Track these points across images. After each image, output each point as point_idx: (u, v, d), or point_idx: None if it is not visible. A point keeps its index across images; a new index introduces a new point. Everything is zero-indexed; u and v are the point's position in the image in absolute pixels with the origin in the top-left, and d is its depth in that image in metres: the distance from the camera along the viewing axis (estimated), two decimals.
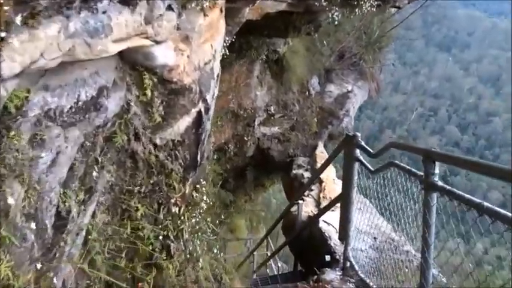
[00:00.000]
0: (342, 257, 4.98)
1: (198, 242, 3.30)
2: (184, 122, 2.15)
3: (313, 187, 7.77)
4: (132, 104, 2.33)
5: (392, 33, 12.72)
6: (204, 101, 2.24)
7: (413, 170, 2.84)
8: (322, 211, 5.69)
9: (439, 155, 2.49)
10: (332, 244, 5.56)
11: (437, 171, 2.55)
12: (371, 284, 4.34)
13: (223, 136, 9.11)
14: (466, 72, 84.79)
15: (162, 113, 2.42)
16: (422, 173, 2.67)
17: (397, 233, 5.37)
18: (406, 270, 4.14)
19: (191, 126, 2.20)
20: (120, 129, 2.34)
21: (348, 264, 4.77)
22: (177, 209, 2.26)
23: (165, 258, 2.23)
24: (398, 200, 3.56)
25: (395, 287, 4.18)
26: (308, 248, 6.31)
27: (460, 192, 2.23)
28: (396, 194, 3.62)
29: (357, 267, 4.60)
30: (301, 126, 9.81)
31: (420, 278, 2.66)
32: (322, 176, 7.99)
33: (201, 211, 2.73)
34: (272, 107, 9.54)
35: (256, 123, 9.41)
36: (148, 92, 2.50)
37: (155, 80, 2.58)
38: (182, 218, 2.34)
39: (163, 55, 2.66)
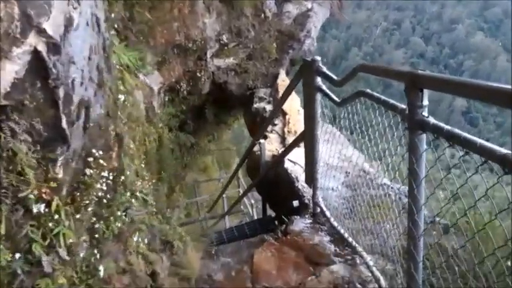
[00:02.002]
0: (311, 202, 4.38)
1: (126, 219, 2.57)
2: (6, 75, 1.26)
3: (276, 121, 7.03)
4: None
5: None
6: (41, 31, 1.33)
7: (392, 101, 2.08)
8: (285, 151, 4.99)
9: (429, 79, 1.71)
10: (300, 186, 4.94)
11: (426, 102, 1.79)
12: (342, 231, 3.77)
13: (172, 74, 8.08)
14: None
15: None
16: (404, 106, 1.91)
17: (372, 163, 4.78)
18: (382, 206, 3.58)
19: (26, 78, 1.32)
20: None
21: (318, 209, 4.17)
22: (42, 206, 1.47)
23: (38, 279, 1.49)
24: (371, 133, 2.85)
25: (371, 228, 3.65)
26: (275, 190, 5.71)
27: (469, 136, 1.48)
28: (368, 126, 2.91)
29: (328, 214, 4.00)
30: (259, 54, 8.82)
31: (408, 244, 1.99)
32: (285, 107, 7.24)
33: (101, 192, 1.94)
34: (224, 36, 8.45)
35: (208, 55, 8.37)
36: None
37: None
38: (57, 216, 1.56)
39: None
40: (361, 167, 4.64)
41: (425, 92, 1.76)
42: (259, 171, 6.06)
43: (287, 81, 8.69)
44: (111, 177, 2.02)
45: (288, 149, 4.82)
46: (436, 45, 75.20)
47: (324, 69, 3.30)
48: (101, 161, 1.87)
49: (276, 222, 5.62)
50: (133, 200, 2.74)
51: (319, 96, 3.54)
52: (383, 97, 2.19)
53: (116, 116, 2.25)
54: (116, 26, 4.19)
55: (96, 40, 1.80)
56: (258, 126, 7.78)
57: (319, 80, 3.42)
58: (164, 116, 8.46)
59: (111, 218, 2.23)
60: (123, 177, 2.43)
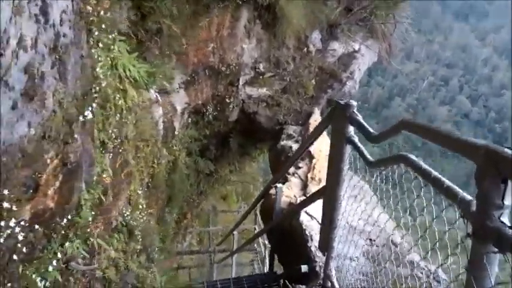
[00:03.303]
0: (322, 271, 3.67)
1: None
2: None
3: (301, 164, 6.37)
4: None
5: None
6: None
7: (448, 183, 1.40)
8: (302, 203, 4.32)
9: None
10: (313, 248, 4.24)
11: (508, 202, 1.12)
12: None
13: (200, 96, 7.63)
14: (482, 42, 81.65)
15: None
16: (469, 197, 1.25)
17: (401, 232, 4.02)
18: None
19: None
20: None
21: (329, 284, 3.44)
22: None
23: None
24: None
25: None
26: (287, 242, 5.01)
27: None
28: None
29: None
30: (295, 88, 8.27)
31: None
32: (313, 150, 6.59)
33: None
34: (261, 64, 7.98)
35: (240, 82, 7.89)
36: None
37: None
38: None
39: None
40: (389, 236, 3.90)
41: (511, 185, 1.09)
42: (273, 216, 5.39)
43: None
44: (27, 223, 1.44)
45: (306, 202, 4.14)
46: (482, 107, 73.02)
47: (359, 117, 2.65)
48: (7, 205, 1.27)
49: (281, 282, 4.90)
50: (80, 247, 2.09)
51: (348, 149, 2.88)
52: (435, 173, 1.51)
53: (67, 138, 1.68)
54: (130, 32, 3.74)
55: (33, 32, 1.27)
56: (282, 166, 7.14)
57: (351, 129, 2.77)
58: (185, 138, 7.98)
59: (34, 275, 1.62)
60: (65, 220, 1.82)
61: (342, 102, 2.78)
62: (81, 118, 1.90)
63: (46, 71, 1.42)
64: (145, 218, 4.46)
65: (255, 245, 12.64)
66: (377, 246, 4.22)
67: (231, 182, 12.52)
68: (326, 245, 3.34)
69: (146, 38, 4.65)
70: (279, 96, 8.12)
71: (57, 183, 1.66)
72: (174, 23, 5.36)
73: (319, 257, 4.00)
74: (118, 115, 3.25)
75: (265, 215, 6.02)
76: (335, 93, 8.69)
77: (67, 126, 1.66)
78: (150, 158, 5.50)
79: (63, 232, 1.84)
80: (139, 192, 4.50)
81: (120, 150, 3.70)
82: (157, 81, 4.12)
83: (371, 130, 2.49)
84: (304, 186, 5.86)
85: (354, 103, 2.71)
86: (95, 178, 2.33)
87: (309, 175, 5.95)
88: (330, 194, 3.16)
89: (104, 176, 2.59)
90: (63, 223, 1.82)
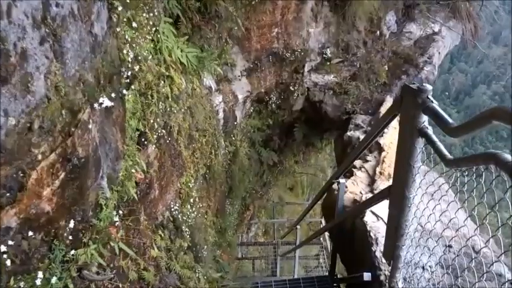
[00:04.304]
0: (387, 281, 3.22)
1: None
2: None
3: (368, 157, 5.83)
4: None
5: None
6: None
7: None
8: (366, 203, 3.86)
9: None
10: (377, 253, 3.76)
11: None
12: None
13: (263, 84, 7.31)
14: None
15: None
16: None
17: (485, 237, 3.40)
18: None
19: None
20: None
21: None
22: None
23: None
24: None
25: None
26: (349, 242, 4.56)
27: None
28: None
29: None
30: (365, 75, 7.64)
31: None
32: (383, 142, 6.02)
33: None
34: (329, 50, 7.46)
35: (306, 69, 7.46)
36: None
37: None
38: None
39: None
40: (471, 242, 3.30)
41: None
42: (335, 213, 4.95)
43: None
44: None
45: (370, 202, 3.66)
46: None
47: (435, 105, 2.15)
48: None
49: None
50: (96, 253, 1.81)
51: (421, 142, 2.38)
52: None
53: (70, 129, 1.41)
54: (179, 13, 3.48)
55: None
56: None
57: (424, 119, 2.28)
58: (247, 127, 7.73)
59: None
60: (73, 223, 1.55)
61: (413, 86, 2.29)
62: (96, 106, 1.64)
63: (30, 48, 1.17)
64: (196, 212, 4.23)
65: (321, 239, 12.22)
66: (456, 254, 3.64)
67: (296, 173, 12.12)
68: (391, 253, 2.88)
69: (201, 22, 4.39)
70: (347, 83, 7.56)
71: (57, 182, 1.42)
72: (233, 5, 5.05)
73: (385, 264, 3.52)
74: (161, 103, 3.01)
75: (327, 212, 5.59)
76: (410, 79, 7.94)
77: (69, 115, 1.40)
78: (207, 148, 5.28)
79: (70, 238, 1.60)
80: (191, 185, 4.28)
81: (168, 141, 3.48)
82: (209, 67, 3.83)
83: (450, 121, 1.99)
84: (372, 182, 5.33)
85: (429, 87, 2.21)
86: (120, 174, 2.08)
87: (377, 169, 5.41)
88: (396, 196, 2.68)
89: (134, 171, 2.34)
90: (68, 228, 1.57)
